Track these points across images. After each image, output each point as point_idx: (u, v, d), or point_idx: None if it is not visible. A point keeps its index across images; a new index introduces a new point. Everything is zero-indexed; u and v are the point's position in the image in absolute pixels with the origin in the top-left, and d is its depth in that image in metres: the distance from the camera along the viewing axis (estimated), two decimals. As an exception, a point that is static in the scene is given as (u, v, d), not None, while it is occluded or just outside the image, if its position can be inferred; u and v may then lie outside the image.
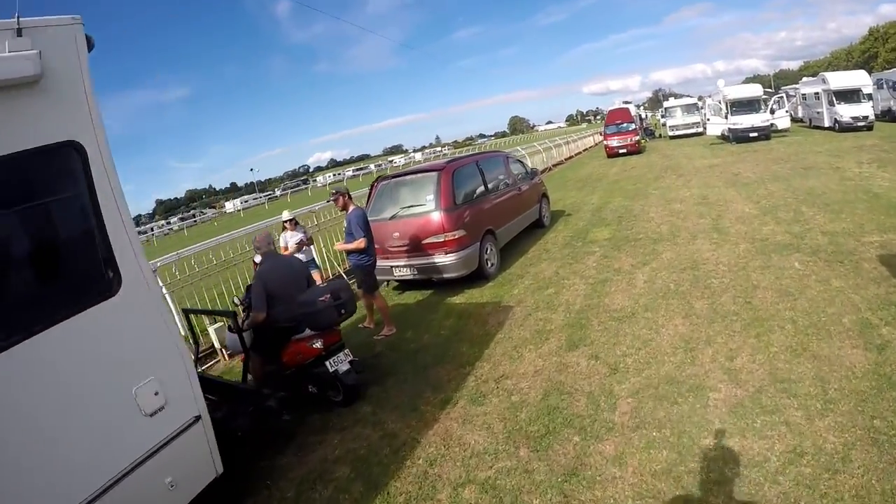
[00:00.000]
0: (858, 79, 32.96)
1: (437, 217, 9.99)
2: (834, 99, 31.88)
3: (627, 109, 37.89)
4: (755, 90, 33.55)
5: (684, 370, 6.03)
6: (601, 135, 38.44)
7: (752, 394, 5.34)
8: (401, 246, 10.32)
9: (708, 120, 34.75)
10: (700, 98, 50.84)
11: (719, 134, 33.01)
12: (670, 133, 44.04)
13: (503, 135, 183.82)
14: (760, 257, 9.55)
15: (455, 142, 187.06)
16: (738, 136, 31.21)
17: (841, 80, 32.97)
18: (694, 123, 41.87)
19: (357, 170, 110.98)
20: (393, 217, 10.61)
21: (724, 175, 19.77)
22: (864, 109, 30.82)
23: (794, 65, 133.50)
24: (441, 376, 7.04)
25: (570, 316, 8.23)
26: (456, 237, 9.94)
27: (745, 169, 20.66)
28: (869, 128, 30.39)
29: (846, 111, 30.92)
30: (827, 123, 33.04)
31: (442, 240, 9.89)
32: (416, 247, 10.12)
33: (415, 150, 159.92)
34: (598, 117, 64.68)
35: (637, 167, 26.36)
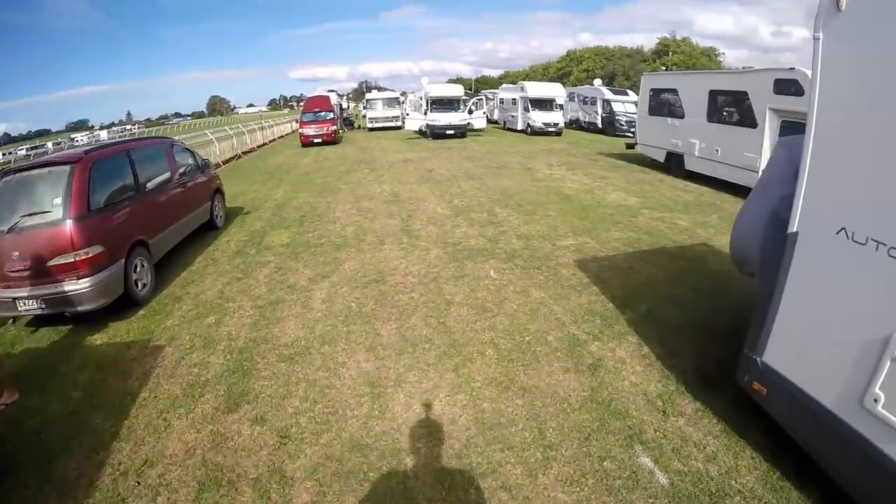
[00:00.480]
0: (554, 90, 38.45)
1: (65, 228, 7.22)
2: (530, 105, 36.35)
3: (327, 97, 37.39)
4: (456, 90, 36.45)
5: (373, 428, 4.94)
6: (297, 122, 36.97)
7: (458, 452, 4.51)
8: (22, 270, 7.18)
9: (408, 115, 35.73)
10: (403, 93, 52.59)
11: (417, 129, 34.36)
12: (370, 125, 44.77)
13: (201, 115, 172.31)
14: (453, 265, 9.19)
15: (148, 119, 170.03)
16: (435, 133, 33.23)
17: (538, 89, 37.98)
18: (394, 117, 43.25)
19: (31, 148, 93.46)
20: (11, 229, 7.35)
21: (418, 171, 20.14)
22: (556, 117, 35.89)
23: (496, 73, 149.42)
24: (69, 470, 4.76)
25: (231, 358, 6.43)
26: (90, 256, 7.35)
27: (440, 165, 21.52)
28: (558, 133, 35.41)
29: (539, 117, 35.55)
30: (520, 127, 37.57)
31: (72, 260, 7.17)
32: (41, 270, 7.19)
33: (102, 128, 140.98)
34: (301, 103, 63.36)
35: (330, 158, 25.53)
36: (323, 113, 34.05)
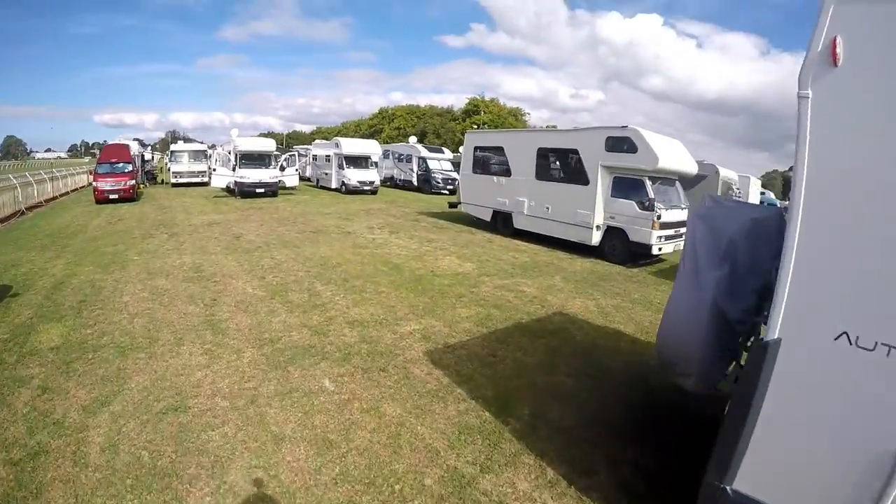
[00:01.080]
0: (369, 147, 37.44)
1: None
2: (344, 163, 35.00)
3: (126, 146, 33.02)
4: (268, 144, 34.20)
5: None
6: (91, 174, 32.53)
7: None
8: None
9: (214, 170, 32.76)
10: (212, 146, 48.93)
11: (224, 186, 31.34)
12: (173, 180, 40.65)
13: None
14: (276, 375, 7.20)
15: None
16: (243, 191, 30.59)
17: (353, 146, 36.67)
18: (200, 172, 39.60)
19: None
20: None
21: (224, 236, 17.74)
22: (371, 175, 35.05)
23: (307, 128, 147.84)
24: None
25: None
26: None
27: (249, 230, 19.24)
28: (374, 192, 34.49)
29: (354, 175, 34.34)
30: (335, 185, 36.05)
31: None
32: None
33: None
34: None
35: (126, 219, 22.06)
36: (121, 164, 29.73)
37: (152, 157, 55.60)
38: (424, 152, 39.41)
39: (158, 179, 45.69)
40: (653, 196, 14.62)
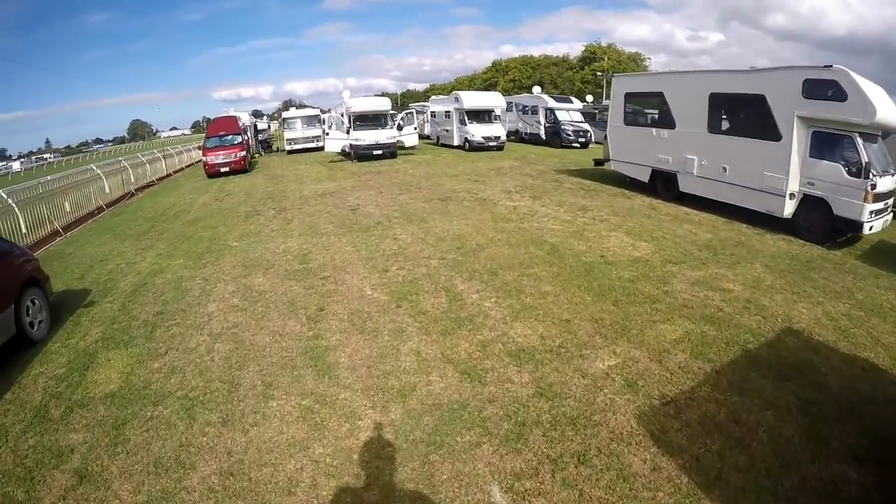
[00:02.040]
0: (492, 99, 33.64)
1: None
2: (466, 118, 31.73)
3: (234, 118, 31.80)
4: (383, 103, 31.15)
5: None
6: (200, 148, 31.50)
7: None
8: None
9: (327, 134, 30.55)
10: (325, 111, 47.35)
11: (339, 150, 29.22)
12: (288, 147, 39.38)
13: (122, 140, 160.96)
14: (410, 473, 4.56)
15: (68, 147, 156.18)
16: (360, 154, 28.26)
17: (475, 99, 33.16)
18: (315, 137, 37.79)
19: None
20: None
21: (338, 209, 15.44)
22: (497, 130, 31.49)
23: (420, 86, 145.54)
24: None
25: None
26: None
27: (367, 199, 16.78)
28: (500, 148, 31.03)
29: (478, 131, 31.04)
30: (457, 142, 32.95)
31: None
32: None
33: (21, 156, 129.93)
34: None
35: (234, 193, 20.46)
36: (230, 137, 28.50)
37: (268, 126, 55.02)
38: (552, 103, 35.15)
39: (274, 147, 44.77)
40: (867, 159, 10.73)
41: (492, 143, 30.44)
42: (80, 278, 10.54)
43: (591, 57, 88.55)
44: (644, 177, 16.13)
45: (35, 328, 7.70)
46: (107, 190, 21.18)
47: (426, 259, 9.86)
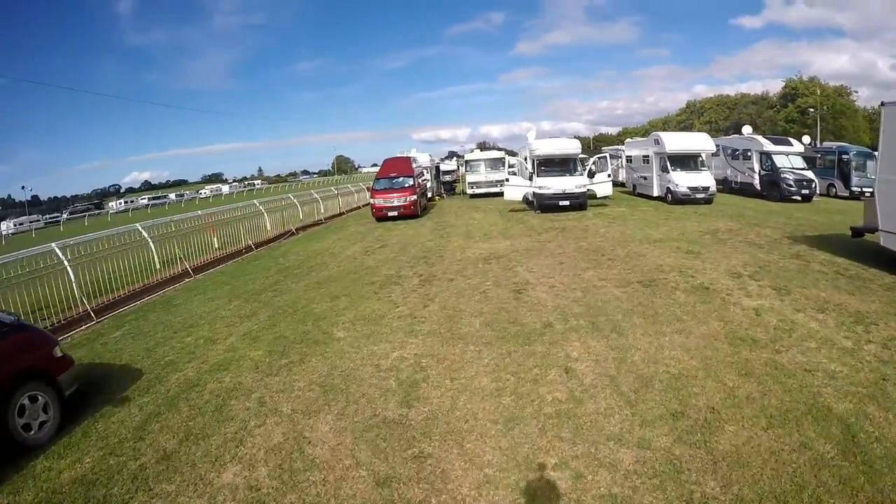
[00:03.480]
0: (699, 142, 27.74)
1: None
2: (668, 164, 26.21)
3: (408, 160, 29.19)
4: (572, 146, 26.42)
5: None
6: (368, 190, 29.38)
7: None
8: None
9: (507, 180, 26.64)
10: (513, 153, 44.03)
11: (521, 198, 25.10)
12: (469, 191, 36.32)
13: (327, 172, 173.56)
14: None
15: (277, 175, 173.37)
16: (543, 204, 24.07)
17: (679, 141, 27.42)
18: (498, 181, 33.81)
19: (154, 199, 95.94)
20: None
21: (498, 289, 11.30)
22: (706, 179, 25.64)
23: (613, 130, 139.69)
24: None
25: None
26: None
27: (541, 273, 12.48)
28: (708, 201, 25.20)
29: (683, 180, 25.43)
30: (657, 192, 27.58)
31: None
32: None
33: (234, 181, 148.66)
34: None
35: (390, 245, 17.61)
36: (400, 179, 25.89)
37: (457, 167, 52.69)
38: (768, 145, 28.38)
39: (458, 190, 41.98)
40: None
41: (699, 196, 24.75)
42: (150, 351, 8.81)
43: (792, 93, 78.45)
44: None
45: (33, 430, 6.15)
46: (269, 226, 19.55)
47: (615, 445, 5.13)
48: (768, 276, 11.06)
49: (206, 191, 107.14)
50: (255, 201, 21.29)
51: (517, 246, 15.91)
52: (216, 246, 16.70)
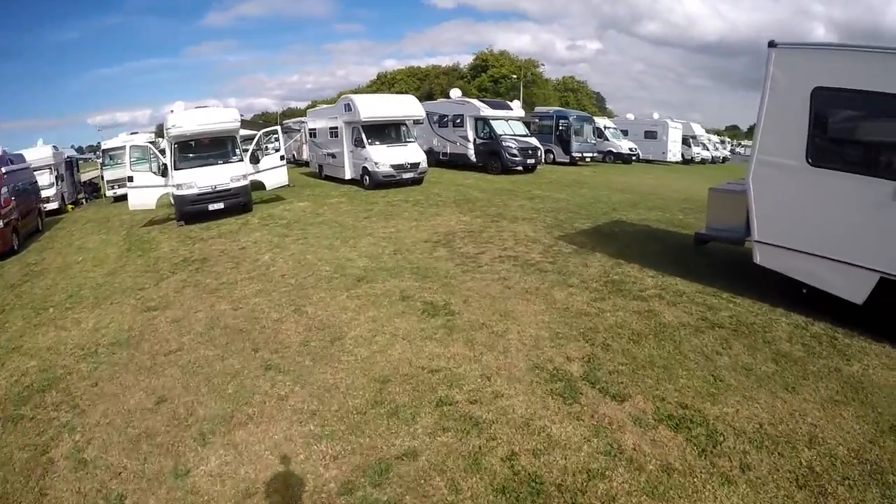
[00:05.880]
0: (404, 106, 20.52)
1: None
2: (364, 137, 18.97)
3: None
4: (223, 119, 16.38)
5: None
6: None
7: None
8: None
9: (130, 179, 16.83)
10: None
11: (154, 204, 15.96)
12: (109, 192, 25.36)
13: None
14: None
15: None
16: (186, 211, 15.39)
17: (377, 107, 19.60)
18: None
19: None
20: None
21: None
22: (413, 153, 19.23)
23: (302, 104, 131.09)
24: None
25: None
26: None
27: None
28: (417, 181, 19.26)
29: (384, 156, 18.55)
30: (349, 174, 20.24)
31: None
32: None
33: None
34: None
35: None
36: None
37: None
38: (486, 110, 23.53)
39: (102, 193, 30.39)
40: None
41: (407, 175, 18.52)
42: None
43: (483, 64, 78.63)
44: (854, 291, 6.00)
45: None
46: None
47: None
48: (633, 386, 4.61)
49: None
50: None
51: (105, 322, 7.53)
52: None
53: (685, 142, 42.25)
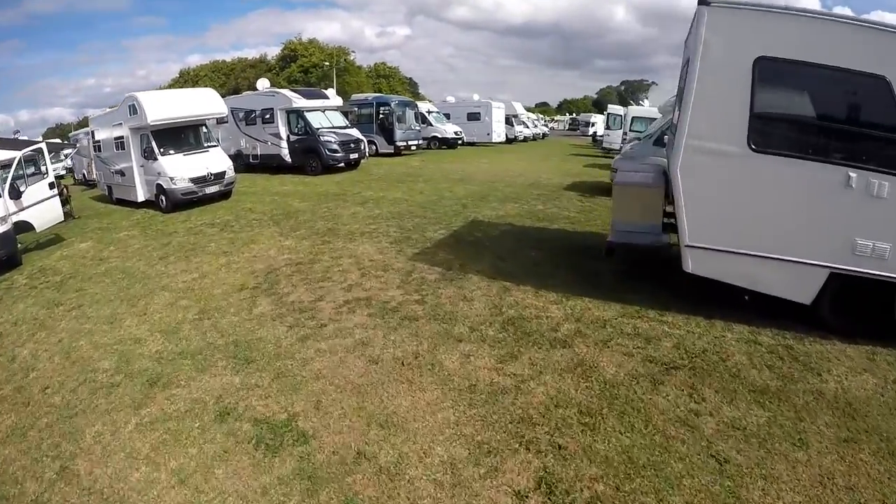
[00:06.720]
0: (201, 103, 16.93)
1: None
2: (154, 145, 15.45)
3: None
4: None
5: None
6: None
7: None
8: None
9: None
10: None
11: None
12: None
13: None
14: None
15: None
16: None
17: (168, 106, 15.82)
18: None
19: None
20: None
21: None
22: (217, 161, 16.28)
23: (101, 112, 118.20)
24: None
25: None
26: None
27: None
28: (226, 194, 16.44)
29: (181, 168, 15.31)
30: (143, 196, 16.45)
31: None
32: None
33: None
34: None
35: None
36: None
37: None
38: (299, 100, 20.65)
39: None
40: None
41: (212, 189, 15.49)
42: None
43: (292, 54, 75.09)
44: (801, 292, 5.37)
45: None
46: None
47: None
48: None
49: None
50: None
51: None
52: None
53: (508, 121, 42.44)
